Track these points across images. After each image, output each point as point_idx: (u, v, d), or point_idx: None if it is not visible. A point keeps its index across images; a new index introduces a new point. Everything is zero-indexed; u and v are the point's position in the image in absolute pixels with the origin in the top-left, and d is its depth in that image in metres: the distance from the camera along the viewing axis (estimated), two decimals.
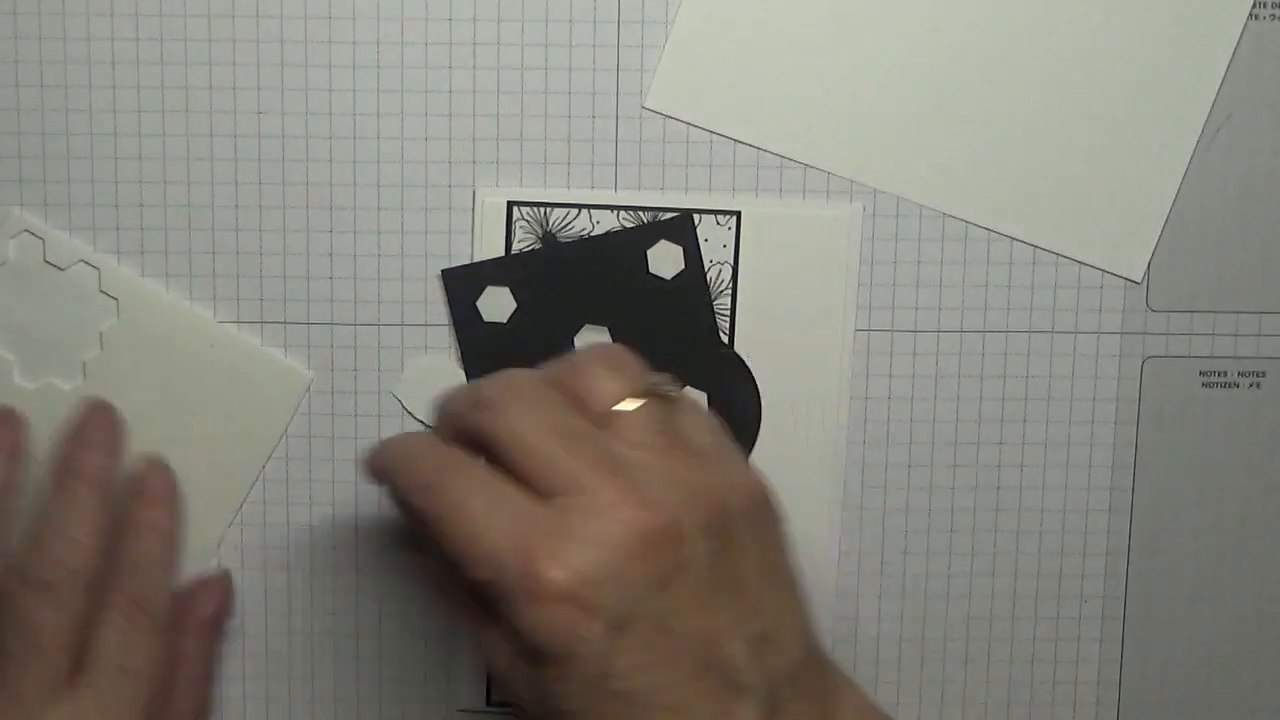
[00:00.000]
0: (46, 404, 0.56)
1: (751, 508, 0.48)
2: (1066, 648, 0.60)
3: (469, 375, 0.57)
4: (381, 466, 0.49)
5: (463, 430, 0.48)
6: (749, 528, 0.47)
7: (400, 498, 0.48)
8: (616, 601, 0.44)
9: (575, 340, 0.57)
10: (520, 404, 0.47)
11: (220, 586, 0.58)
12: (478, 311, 0.57)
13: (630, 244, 0.57)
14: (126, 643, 0.53)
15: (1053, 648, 0.60)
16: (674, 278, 0.57)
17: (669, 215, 0.57)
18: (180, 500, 0.57)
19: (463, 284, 0.57)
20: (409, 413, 0.57)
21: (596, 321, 0.57)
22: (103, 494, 0.54)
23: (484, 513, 0.45)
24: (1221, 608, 0.60)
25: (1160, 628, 0.60)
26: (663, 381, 0.49)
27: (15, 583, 0.53)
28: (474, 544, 0.45)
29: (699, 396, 0.57)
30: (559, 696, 0.45)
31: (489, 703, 0.59)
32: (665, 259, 0.57)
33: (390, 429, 0.58)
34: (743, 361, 0.57)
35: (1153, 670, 0.60)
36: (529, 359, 0.57)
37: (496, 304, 0.57)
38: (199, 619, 0.57)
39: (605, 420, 0.47)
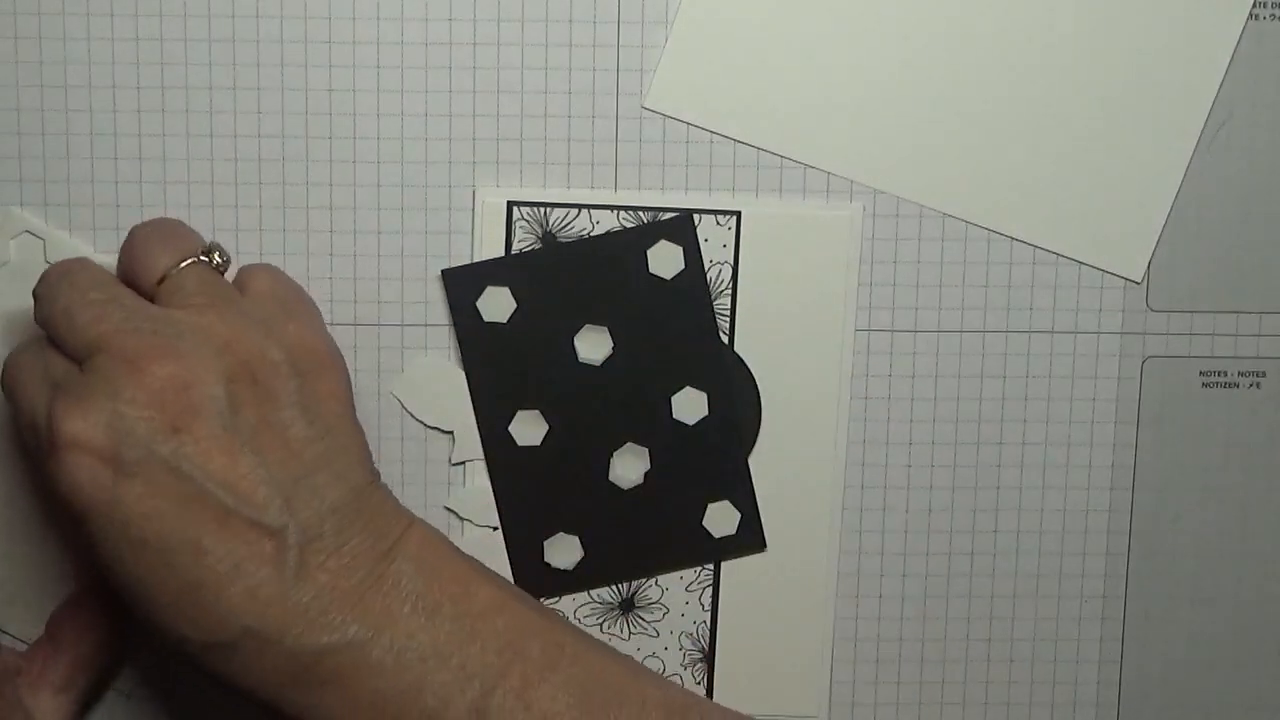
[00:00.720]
0: None
1: (295, 360, 0.50)
2: (1066, 648, 0.60)
3: (469, 375, 0.57)
4: None
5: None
6: (288, 375, 0.49)
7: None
8: (123, 446, 0.46)
9: (575, 340, 0.57)
10: (63, 284, 0.50)
11: None
12: (478, 311, 0.57)
13: (630, 244, 0.57)
14: None
15: (1053, 648, 0.60)
16: (674, 278, 0.57)
17: (669, 215, 0.57)
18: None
19: (463, 284, 0.57)
20: (409, 413, 0.57)
21: (596, 321, 0.57)
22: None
23: (29, 382, 0.49)
24: (1221, 608, 0.60)
25: (1160, 628, 0.60)
26: (214, 247, 0.52)
27: None
28: (19, 404, 0.49)
29: (699, 397, 0.57)
30: (97, 553, 0.47)
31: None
32: (665, 259, 0.57)
33: (390, 429, 0.58)
34: (743, 361, 0.58)
35: (1153, 670, 0.60)
36: (529, 359, 0.57)
37: (497, 304, 0.57)
38: None
39: (156, 289, 0.50)
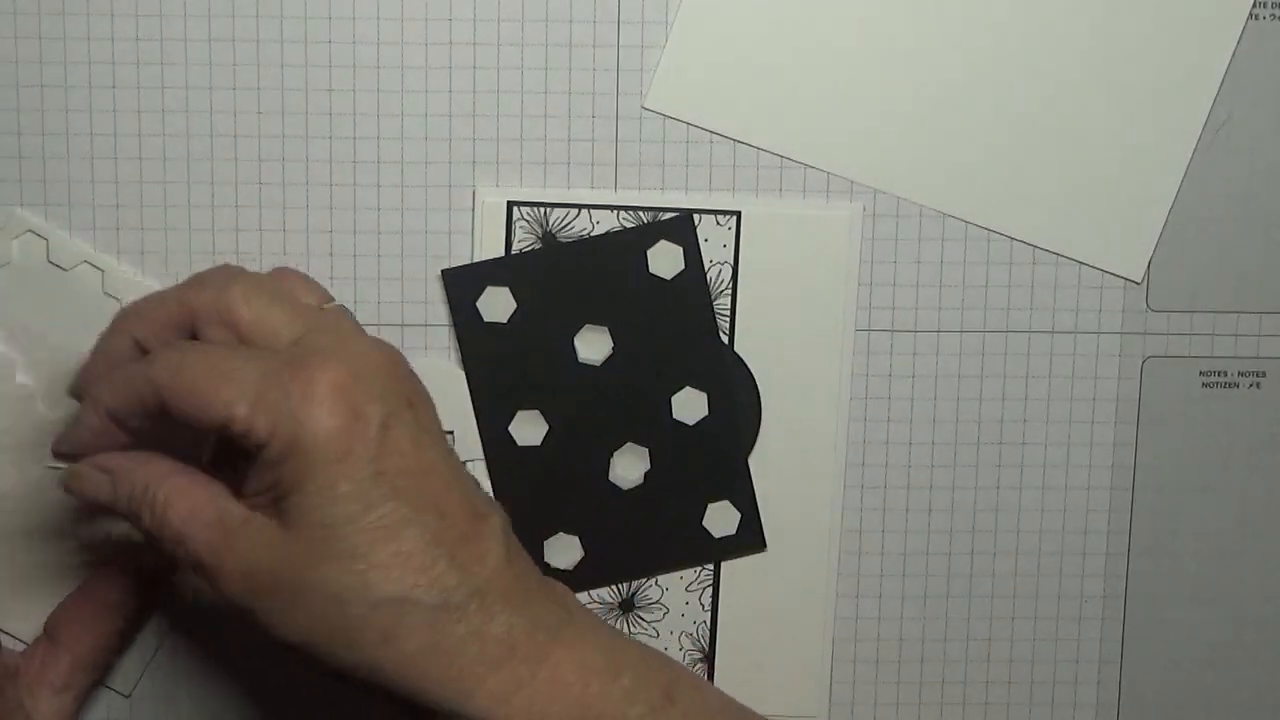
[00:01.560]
0: (49, 403, 0.57)
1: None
2: (1066, 648, 0.60)
3: (469, 375, 0.57)
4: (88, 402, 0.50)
5: (167, 322, 0.49)
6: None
7: (118, 411, 0.49)
8: (382, 400, 0.47)
9: (575, 340, 0.57)
10: (239, 282, 0.49)
11: None
12: (478, 311, 0.57)
13: (630, 244, 0.57)
14: None
15: (1053, 648, 0.60)
16: (674, 278, 0.57)
17: (669, 215, 0.57)
18: None
19: (463, 284, 0.57)
20: None
21: (596, 321, 0.57)
22: None
23: (236, 359, 0.47)
24: (1221, 608, 0.60)
25: (1160, 628, 0.60)
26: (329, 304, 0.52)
27: None
28: (230, 374, 0.46)
29: (699, 397, 0.57)
30: (328, 510, 0.46)
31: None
32: (665, 259, 0.57)
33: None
34: (743, 361, 0.58)
35: (1153, 670, 0.60)
36: (529, 359, 0.57)
37: (497, 304, 0.57)
38: None
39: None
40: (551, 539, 0.58)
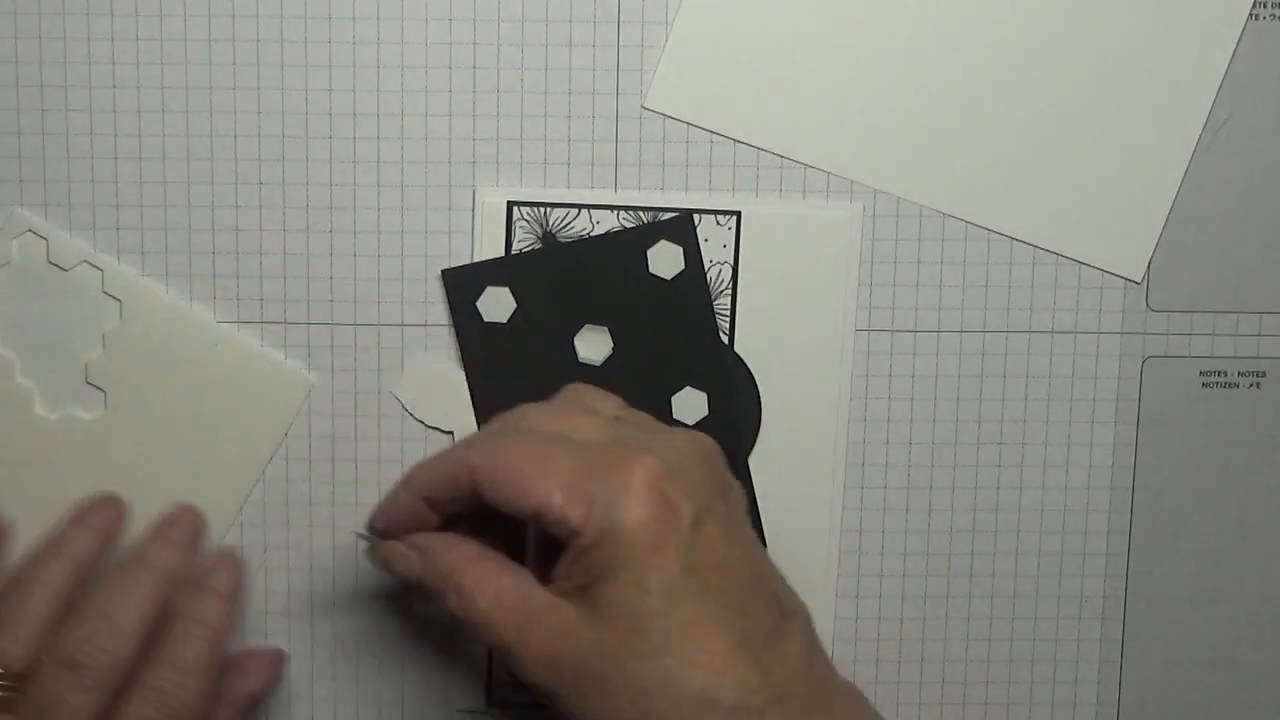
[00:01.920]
0: (48, 404, 0.57)
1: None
2: (1066, 648, 0.60)
3: (469, 375, 0.57)
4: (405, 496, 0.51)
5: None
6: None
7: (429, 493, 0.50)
8: (695, 494, 0.47)
9: (575, 340, 0.57)
10: (534, 412, 0.51)
11: (271, 665, 0.57)
12: (478, 311, 0.57)
13: (630, 244, 0.57)
14: None
15: (1053, 648, 0.60)
16: (674, 278, 0.57)
17: (669, 215, 0.57)
18: (239, 599, 0.54)
19: (463, 284, 0.57)
20: (409, 413, 0.57)
21: (596, 321, 0.57)
22: (163, 585, 0.52)
23: (555, 449, 0.48)
24: (1221, 608, 0.60)
25: (1160, 628, 0.60)
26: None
27: (52, 657, 0.50)
28: (548, 464, 0.47)
29: (699, 397, 0.57)
30: (637, 603, 0.46)
31: (489, 703, 0.59)
32: (665, 259, 0.57)
33: (390, 429, 0.58)
34: (743, 361, 0.57)
35: (1153, 670, 0.60)
36: (529, 359, 0.57)
37: (496, 304, 0.57)
38: (241, 693, 0.56)
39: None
40: None
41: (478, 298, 0.57)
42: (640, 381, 0.57)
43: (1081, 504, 0.59)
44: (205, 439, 0.57)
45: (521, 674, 0.48)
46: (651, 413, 0.57)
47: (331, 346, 0.57)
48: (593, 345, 0.57)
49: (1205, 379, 0.58)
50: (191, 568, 0.54)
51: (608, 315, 0.57)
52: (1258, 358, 0.58)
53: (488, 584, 0.48)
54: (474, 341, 0.57)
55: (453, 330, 0.57)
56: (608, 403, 0.52)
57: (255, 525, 0.58)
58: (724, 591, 0.47)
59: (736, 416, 0.58)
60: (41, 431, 0.57)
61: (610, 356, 0.57)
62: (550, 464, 0.47)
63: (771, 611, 0.48)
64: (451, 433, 0.58)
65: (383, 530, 0.52)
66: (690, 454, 0.48)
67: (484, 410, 0.57)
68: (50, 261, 0.56)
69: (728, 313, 0.57)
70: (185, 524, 0.55)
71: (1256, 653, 0.60)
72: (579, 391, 0.53)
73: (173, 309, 0.57)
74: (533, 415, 0.50)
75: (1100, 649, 0.60)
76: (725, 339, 0.57)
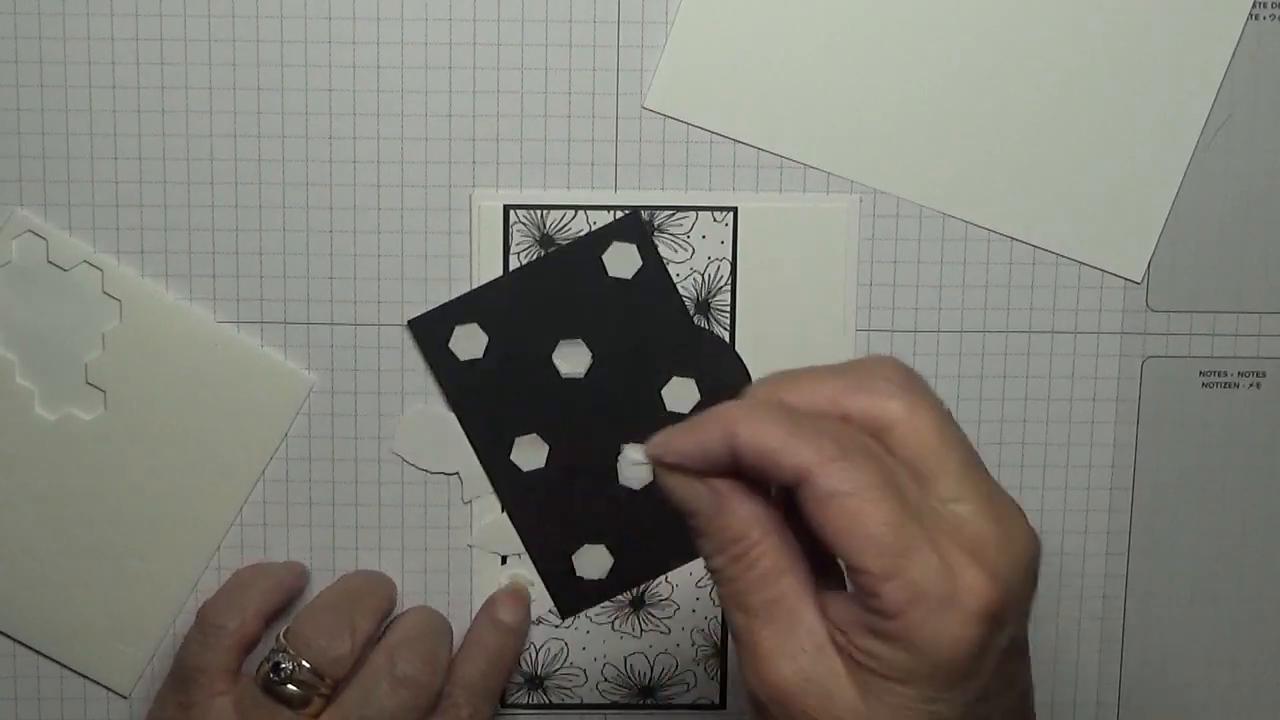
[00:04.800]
0: (48, 405, 0.57)
1: None
2: (1066, 648, 0.60)
3: (460, 416, 0.58)
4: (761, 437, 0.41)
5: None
6: None
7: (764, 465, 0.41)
8: (1017, 618, 0.40)
9: (554, 359, 0.57)
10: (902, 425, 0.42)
11: None
12: (451, 353, 0.57)
13: (585, 253, 0.57)
14: None
15: (1053, 647, 0.59)
16: (635, 275, 0.57)
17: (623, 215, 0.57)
18: (525, 633, 0.59)
19: (430, 329, 0.57)
20: (413, 465, 0.58)
21: (570, 335, 0.57)
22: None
23: (898, 503, 0.39)
24: (1221, 608, 0.60)
25: (1160, 628, 0.60)
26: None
27: (382, 668, 0.54)
28: (889, 533, 0.39)
29: (687, 384, 0.57)
30: (906, 715, 0.40)
31: (504, 705, 0.59)
32: (621, 260, 0.57)
33: (389, 429, 0.58)
34: (724, 341, 0.57)
35: (1153, 670, 0.60)
36: (513, 387, 0.57)
37: (469, 341, 0.57)
38: None
39: None
40: (579, 552, 0.58)
41: (449, 339, 0.57)
42: (627, 383, 0.57)
43: (1081, 504, 0.59)
44: (205, 439, 0.57)
45: (743, 672, 0.42)
46: (646, 411, 0.57)
47: (331, 346, 0.57)
48: (572, 360, 0.57)
49: (1205, 379, 0.58)
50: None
51: (580, 327, 0.57)
52: (1258, 358, 0.58)
53: (771, 565, 0.41)
54: (456, 382, 0.57)
55: (432, 376, 0.57)
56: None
57: (255, 525, 0.58)
58: (996, 714, 0.41)
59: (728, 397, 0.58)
60: (41, 431, 0.57)
61: (591, 366, 0.57)
62: (862, 513, 0.39)
63: None
64: (457, 473, 0.58)
65: (671, 464, 0.43)
66: (1025, 562, 0.40)
67: (482, 445, 0.58)
68: (50, 261, 0.56)
69: (727, 309, 0.57)
70: (512, 610, 0.58)
71: (1256, 653, 0.60)
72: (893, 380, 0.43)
73: (173, 309, 0.57)
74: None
75: (1100, 649, 0.60)
76: (725, 338, 0.57)
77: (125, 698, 0.58)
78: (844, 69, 0.56)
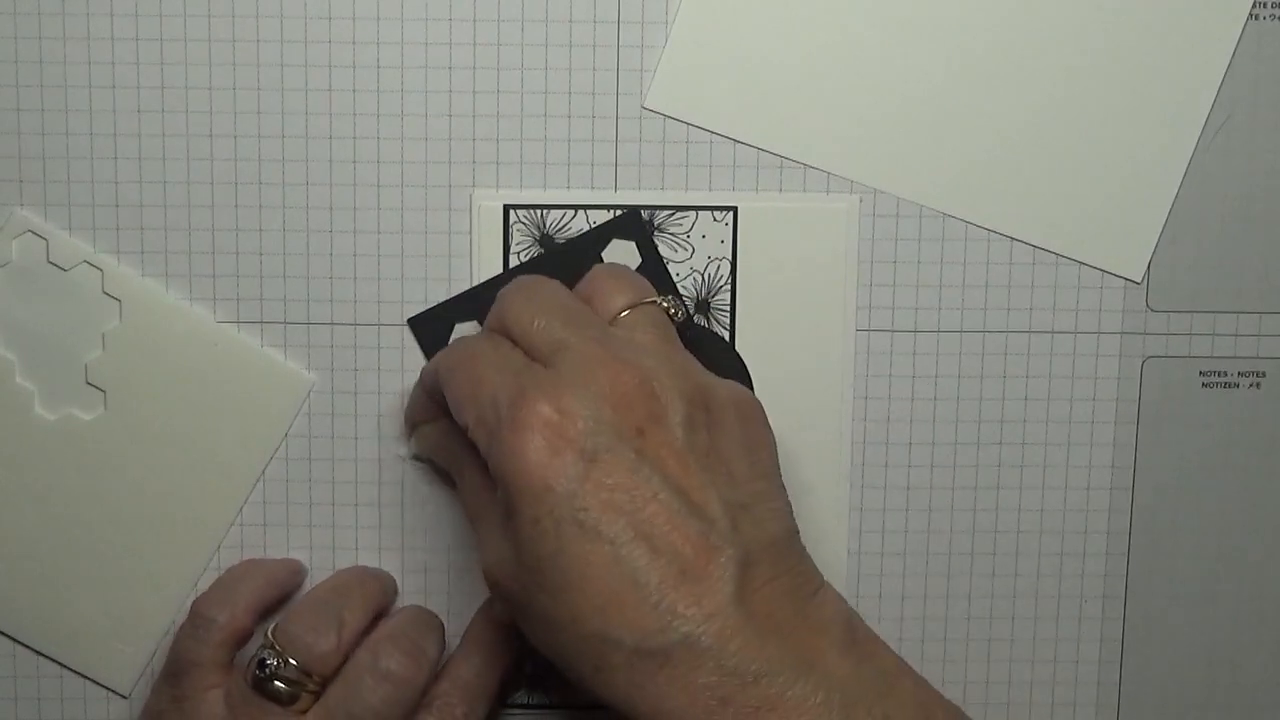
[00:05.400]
0: (48, 405, 0.57)
1: (739, 404, 0.51)
2: (1066, 648, 0.60)
3: None
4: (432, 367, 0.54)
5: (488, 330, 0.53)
6: (734, 415, 0.50)
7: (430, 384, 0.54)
8: (591, 434, 0.47)
9: None
10: (525, 292, 0.52)
11: None
12: None
13: (585, 250, 0.57)
14: None
15: (1053, 648, 0.59)
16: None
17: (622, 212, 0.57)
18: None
19: (431, 327, 0.57)
20: (417, 463, 0.58)
21: None
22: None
23: (488, 369, 0.49)
24: (1221, 608, 0.60)
25: (1160, 628, 0.60)
26: (666, 297, 0.54)
27: (366, 664, 0.54)
28: (475, 389, 0.49)
29: None
30: (536, 543, 0.47)
31: (501, 704, 0.59)
32: (621, 258, 0.57)
33: (390, 429, 0.58)
34: (743, 363, 0.57)
35: (1153, 670, 0.60)
36: None
37: None
38: None
39: (612, 322, 0.52)
40: None
41: (448, 337, 0.57)
42: None
43: (1081, 504, 0.59)
44: (205, 439, 0.57)
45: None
46: None
47: (331, 346, 0.57)
48: None
49: (1205, 379, 0.58)
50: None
51: None
52: (1258, 358, 0.58)
53: (470, 494, 0.52)
54: None
55: None
56: (621, 294, 0.53)
57: (255, 525, 0.58)
58: (624, 530, 0.46)
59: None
60: (41, 431, 0.57)
61: None
62: (477, 387, 0.49)
63: (692, 548, 0.46)
64: None
65: (415, 424, 0.57)
66: (607, 389, 0.48)
67: None
68: (50, 261, 0.56)
69: (727, 310, 0.57)
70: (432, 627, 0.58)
71: (1256, 653, 0.60)
72: (596, 277, 0.54)
73: (173, 309, 0.57)
74: (506, 305, 0.52)
75: (1100, 649, 0.60)
76: (726, 337, 0.57)
77: (125, 698, 0.59)
78: (844, 69, 0.56)
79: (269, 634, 0.54)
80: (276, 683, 0.53)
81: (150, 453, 0.57)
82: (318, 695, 0.53)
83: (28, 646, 0.58)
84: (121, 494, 0.57)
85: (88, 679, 0.58)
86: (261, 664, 0.53)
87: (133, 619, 0.58)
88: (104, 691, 0.59)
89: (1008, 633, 0.59)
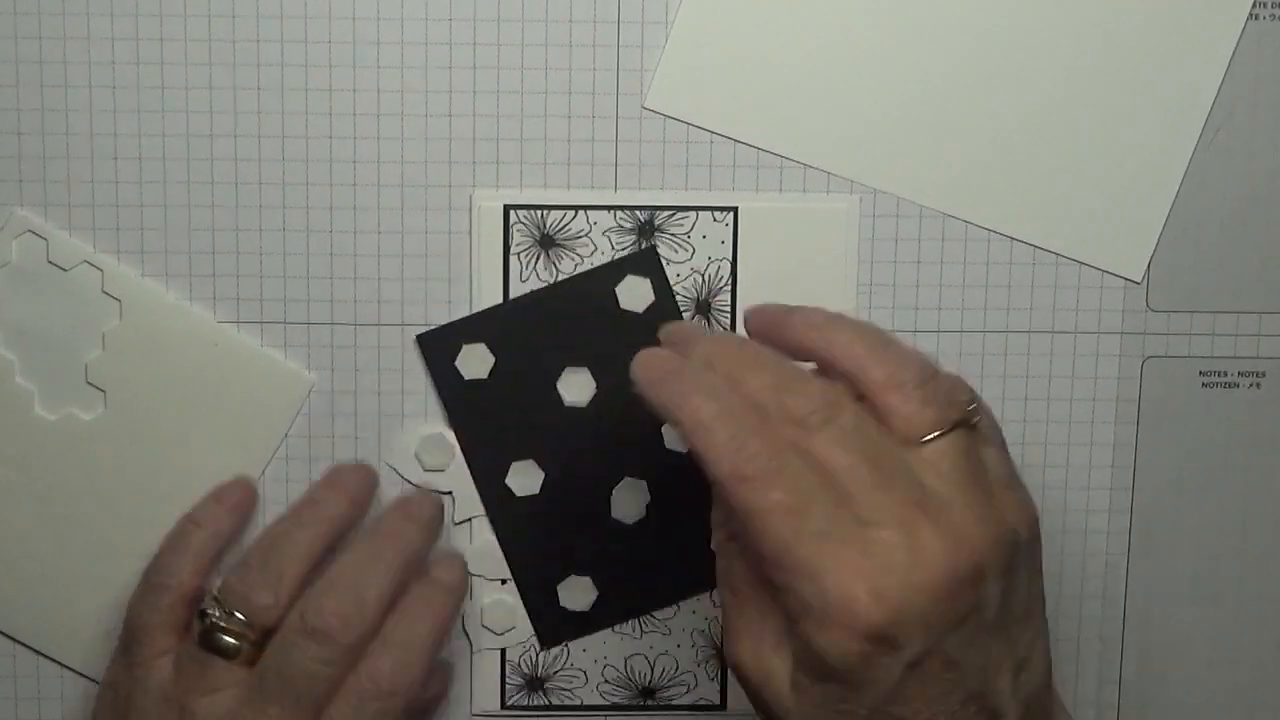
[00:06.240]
0: (48, 405, 0.57)
1: (1034, 539, 0.47)
2: (1066, 647, 0.60)
3: (459, 435, 0.58)
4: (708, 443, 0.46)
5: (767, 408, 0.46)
6: (1029, 560, 0.47)
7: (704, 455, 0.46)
8: (919, 641, 0.43)
9: (558, 386, 0.57)
10: (834, 427, 0.45)
11: (447, 675, 0.58)
12: (457, 371, 0.57)
13: (598, 283, 0.57)
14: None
15: (1053, 647, 0.59)
16: (645, 310, 0.57)
17: (631, 251, 0.57)
18: (463, 596, 0.56)
19: (438, 346, 0.57)
20: (406, 480, 0.58)
21: (576, 364, 0.57)
22: (408, 565, 0.54)
23: (803, 525, 0.44)
24: (1221, 608, 0.60)
25: (1160, 628, 0.60)
26: (972, 407, 0.47)
27: (295, 623, 0.52)
28: (788, 552, 0.44)
29: None
30: (832, 711, 0.44)
31: (504, 706, 0.59)
32: (634, 293, 0.57)
33: (390, 429, 0.58)
34: None
35: (1153, 670, 0.60)
36: (515, 410, 0.57)
37: (475, 361, 0.57)
38: (428, 697, 0.57)
39: (912, 444, 0.46)
40: (564, 582, 0.58)
41: (455, 357, 0.57)
42: (628, 416, 0.57)
43: (1081, 504, 0.59)
44: (205, 439, 0.57)
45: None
46: (645, 446, 0.57)
47: (331, 346, 0.57)
48: (576, 388, 0.57)
49: (1205, 379, 0.58)
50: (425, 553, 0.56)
51: (586, 356, 0.57)
52: (1258, 358, 0.58)
53: (753, 617, 0.47)
54: (458, 400, 0.57)
55: (435, 391, 0.57)
56: (920, 413, 0.46)
57: (255, 525, 0.58)
58: (924, 717, 0.44)
59: None
60: (41, 431, 0.57)
61: (595, 396, 0.57)
62: (795, 539, 0.44)
63: None
64: (450, 492, 0.58)
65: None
66: (932, 588, 0.43)
67: (479, 466, 0.58)
68: (50, 261, 0.56)
69: (727, 310, 0.57)
70: (428, 506, 0.56)
71: (1256, 653, 0.60)
72: (871, 353, 0.47)
73: (173, 309, 0.57)
74: (830, 433, 0.45)
75: (1100, 649, 0.60)
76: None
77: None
78: (844, 69, 0.56)
79: (216, 589, 0.54)
80: (221, 635, 0.53)
81: (150, 453, 0.57)
82: (263, 647, 0.53)
83: (28, 646, 0.58)
84: (121, 494, 0.57)
85: (88, 679, 0.58)
86: (203, 615, 0.53)
87: None
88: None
89: None
